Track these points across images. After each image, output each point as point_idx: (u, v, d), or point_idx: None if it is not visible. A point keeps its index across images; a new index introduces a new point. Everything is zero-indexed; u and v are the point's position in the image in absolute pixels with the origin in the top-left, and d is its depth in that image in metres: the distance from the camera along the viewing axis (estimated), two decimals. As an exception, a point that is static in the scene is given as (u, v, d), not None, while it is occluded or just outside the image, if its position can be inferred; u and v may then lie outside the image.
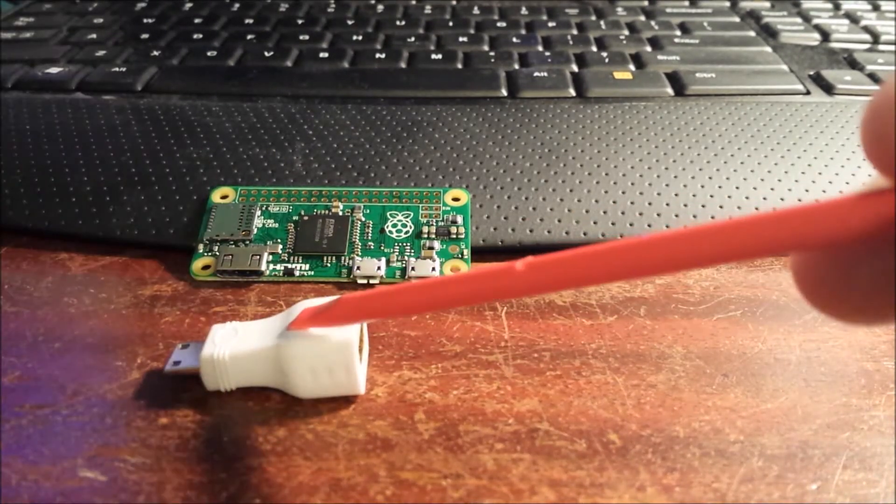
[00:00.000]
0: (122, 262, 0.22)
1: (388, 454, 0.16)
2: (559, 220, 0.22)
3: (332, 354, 0.16)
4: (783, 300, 0.20)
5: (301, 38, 0.34)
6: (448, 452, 0.16)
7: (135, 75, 0.30)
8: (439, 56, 0.31)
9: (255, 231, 0.22)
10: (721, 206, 0.23)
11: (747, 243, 0.10)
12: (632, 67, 0.30)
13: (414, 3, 0.38)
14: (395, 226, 0.22)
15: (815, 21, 0.35)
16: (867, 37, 0.33)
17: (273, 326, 0.17)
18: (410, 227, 0.22)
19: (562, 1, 0.38)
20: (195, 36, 0.34)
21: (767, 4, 0.38)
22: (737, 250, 0.10)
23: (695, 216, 0.22)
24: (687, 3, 0.38)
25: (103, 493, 0.15)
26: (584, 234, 0.22)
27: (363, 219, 0.22)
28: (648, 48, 0.32)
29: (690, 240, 0.10)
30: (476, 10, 0.37)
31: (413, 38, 0.34)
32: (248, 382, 0.17)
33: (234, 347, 0.17)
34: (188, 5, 0.38)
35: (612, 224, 0.22)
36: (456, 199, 0.23)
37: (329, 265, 0.21)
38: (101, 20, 0.36)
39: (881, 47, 0.33)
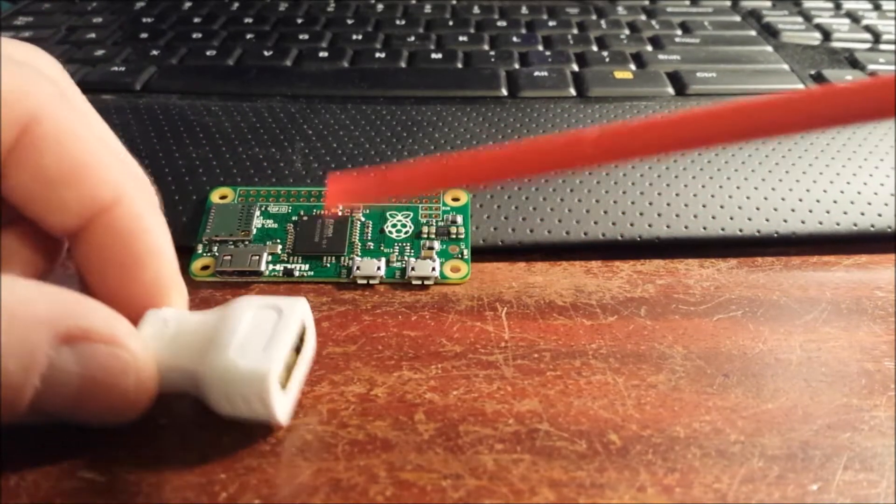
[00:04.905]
0: (122, 261, 0.22)
1: (388, 454, 0.16)
2: (559, 220, 0.22)
3: (244, 386, 0.15)
4: (784, 300, 0.20)
5: (300, 37, 0.34)
6: (448, 453, 0.16)
7: (134, 75, 0.29)
8: (439, 55, 0.31)
9: (255, 231, 0.22)
10: (722, 206, 0.23)
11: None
12: (632, 67, 0.30)
13: (414, 2, 0.38)
14: (394, 226, 0.22)
15: (816, 20, 0.35)
16: (868, 36, 0.33)
17: (205, 329, 0.16)
18: (410, 228, 0.22)
19: (562, 0, 0.38)
20: (194, 35, 0.34)
21: (768, 4, 0.38)
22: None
23: (695, 216, 0.22)
24: (688, 3, 0.38)
25: (103, 493, 0.15)
26: (585, 234, 0.22)
27: (363, 219, 0.22)
28: (649, 47, 0.32)
29: (760, 109, 0.10)
30: (476, 10, 0.37)
31: (413, 38, 0.33)
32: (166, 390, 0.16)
33: (158, 356, 0.15)
34: (187, 5, 0.38)
35: (613, 224, 0.22)
36: (456, 199, 0.23)
37: (329, 265, 0.21)
38: (99, 20, 0.36)
39: (882, 47, 0.33)
